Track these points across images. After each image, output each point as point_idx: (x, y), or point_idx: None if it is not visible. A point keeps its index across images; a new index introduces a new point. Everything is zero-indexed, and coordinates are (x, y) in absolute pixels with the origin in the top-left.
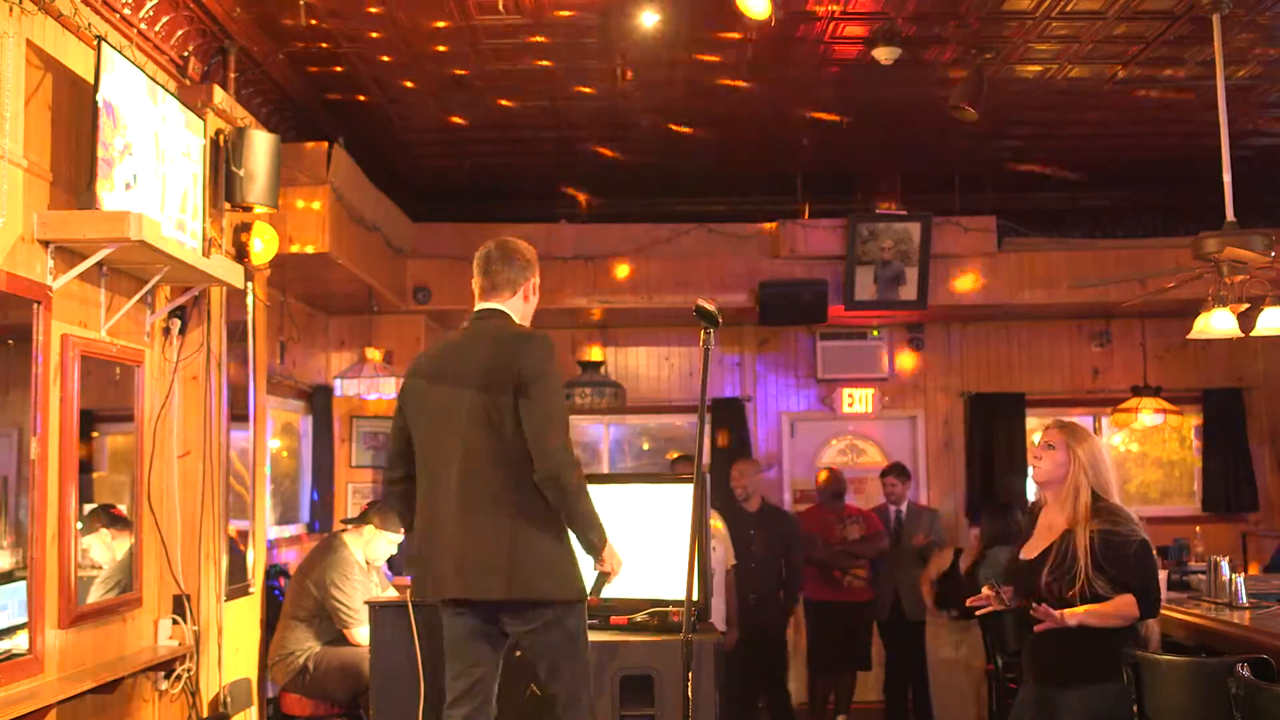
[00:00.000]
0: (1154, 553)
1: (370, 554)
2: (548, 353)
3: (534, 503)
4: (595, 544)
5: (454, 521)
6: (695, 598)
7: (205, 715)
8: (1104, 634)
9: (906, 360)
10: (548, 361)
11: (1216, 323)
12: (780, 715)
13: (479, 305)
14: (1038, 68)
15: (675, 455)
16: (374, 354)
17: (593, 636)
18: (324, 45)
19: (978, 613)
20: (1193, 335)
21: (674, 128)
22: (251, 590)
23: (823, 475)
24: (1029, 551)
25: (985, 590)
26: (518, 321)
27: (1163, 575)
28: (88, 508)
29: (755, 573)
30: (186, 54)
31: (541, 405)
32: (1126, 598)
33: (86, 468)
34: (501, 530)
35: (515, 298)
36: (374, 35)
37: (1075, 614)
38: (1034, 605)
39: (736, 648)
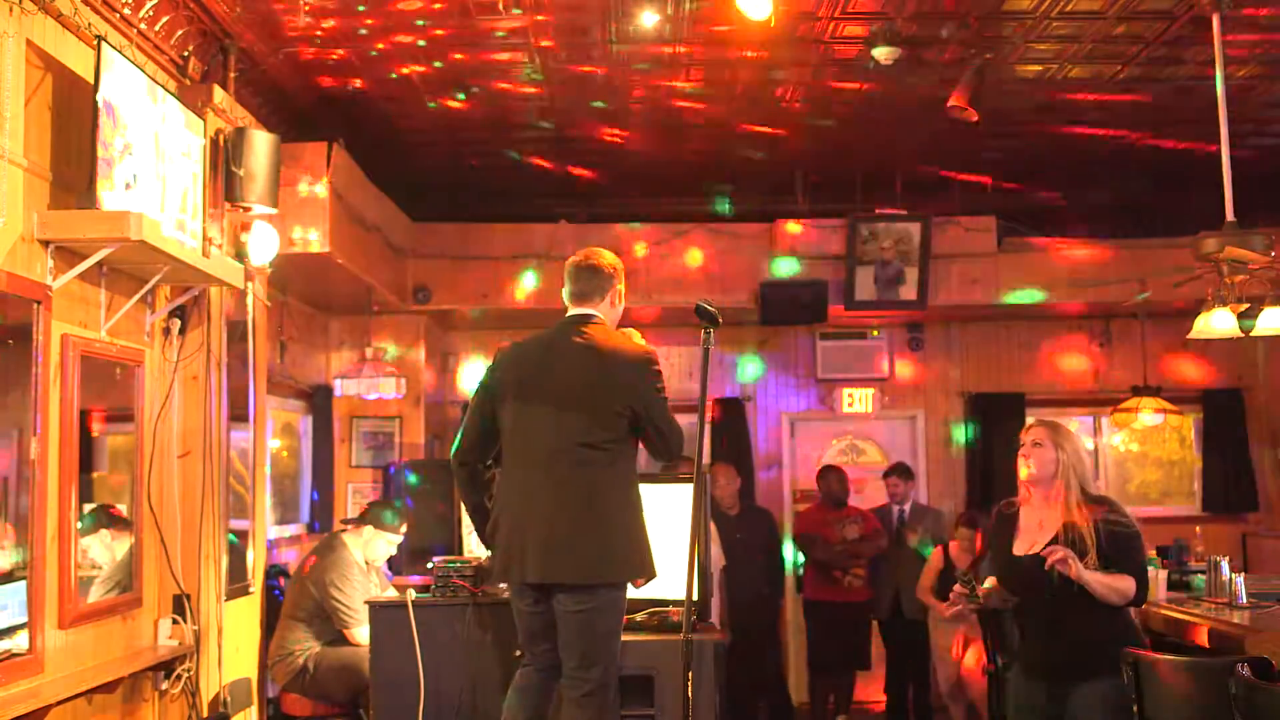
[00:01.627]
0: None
1: (370, 554)
2: (653, 380)
3: (620, 497)
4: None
5: (543, 512)
6: (695, 598)
7: (205, 715)
8: (1106, 629)
9: (906, 368)
10: (655, 384)
11: (1216, 323)
12: (780, 715)
13: (572, 311)
14: (1038, 68)
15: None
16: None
17: None
18: (324, 45)
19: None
20: (1193, 335)
21: (673, 126)
22: (251, 590)
23: (824, 474)
24: (1024, 547)
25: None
26: (609, 324)
27: (1162, 575)
28: (88, 508)
29: (745, 574)
30: (186, 54)
31: (661, 424)
32: (1128, 578)
33: (86, 468)
34: (592, 523)
35: (604, 304)
36: (373, 35)
37: (1084, 573)
38: (1048, 550)
39: (732, 648)
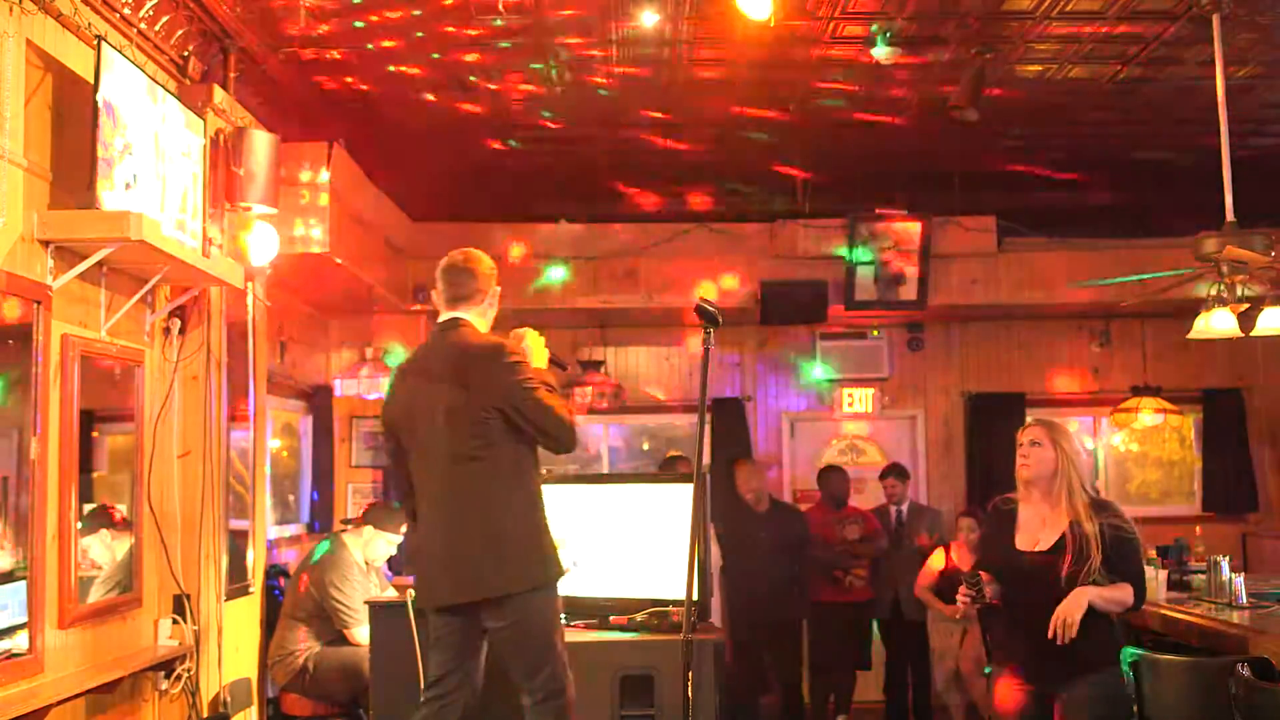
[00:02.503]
0: None
1: (370, 554)
2: (515, 370)
3: (504, 502)
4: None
5: (438, 531)
6: (695, 598)
7: (205, 715)
8: (1103, 629)
9: (906, 368)
10: (519, 378)
11: (1216, 323)
12: (791, 712)
13: (443, 316)
14: (1038, 68)
15: (673, 454)
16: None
17: (593, 636)
18: (323, 45)
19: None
20: (1193, 335)
21: (673, 126)
22: (251, 590)
23: (825, 475)
24: (1028, 544)
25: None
26: (480, 329)
27: (1163, 575)
28: (88, 508)
29: (763, 571)
30: (186, 54)
31: (535, 417)
32: (1127, 587)
33: (86, 468)
34: (483, 535)
35: (480, 306)
36: (373, 35)
37: (1085, 595)
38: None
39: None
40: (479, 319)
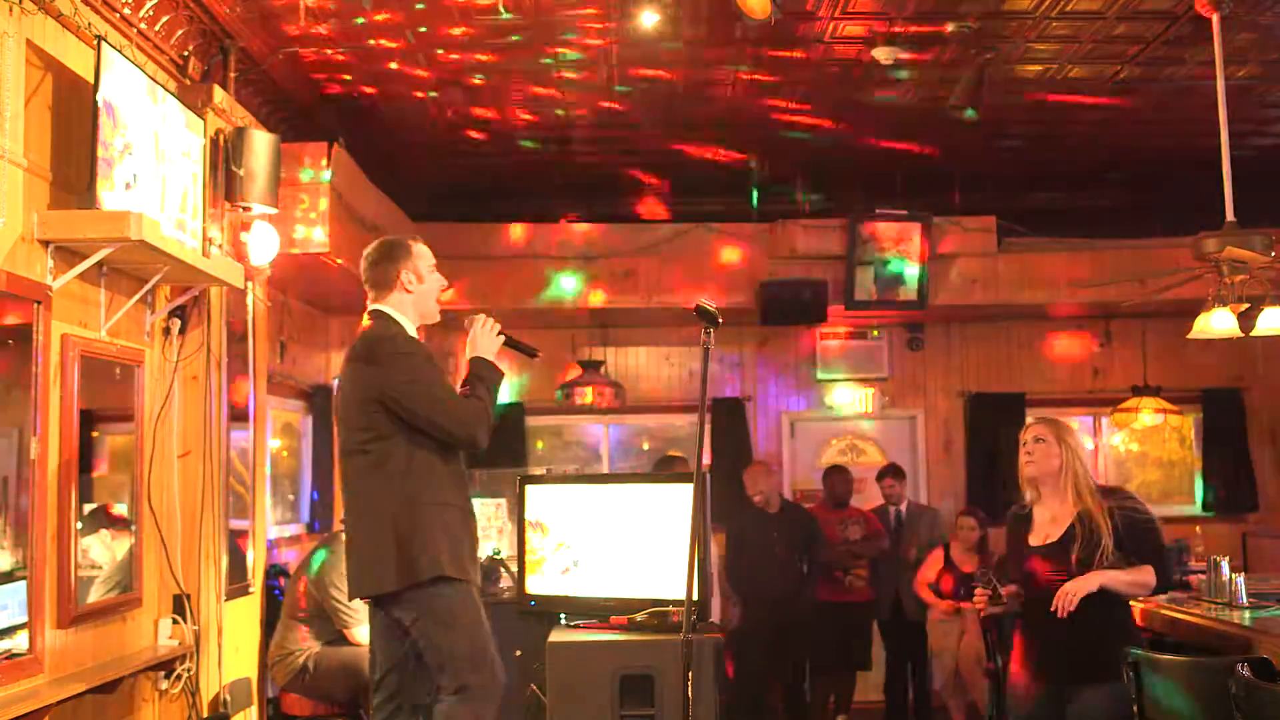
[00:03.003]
0: None
1: None
2: (396, 361)
3: (383, 501)
4: (496, 379)
5: (346, 529)
6: (695, 598)
7: (205, 715)
8: (1111, 633)
9: (906, 368)
10: (400, 370)
11: (1216, 323)
12: (793, 712)
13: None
14: (1038, 68)
15: (674, 455)
16: None
17: (593, 636)
18: (323, 45)
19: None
20: (1193, 335)
21: (673, 126)
22: (251, 590)
23: (828, 475)
24: (1040, 539)
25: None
26: (398, 317)
27: None
28: (88, 508)
29: (777, 573)
30: (186, 54)
31: (420, 410)
32: (1147, 568)
33: (86, 468)
34: (372, 529)
35: (392, 295)
36: (373, 35)
37: (1098, 576)
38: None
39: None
40: (396, 308)
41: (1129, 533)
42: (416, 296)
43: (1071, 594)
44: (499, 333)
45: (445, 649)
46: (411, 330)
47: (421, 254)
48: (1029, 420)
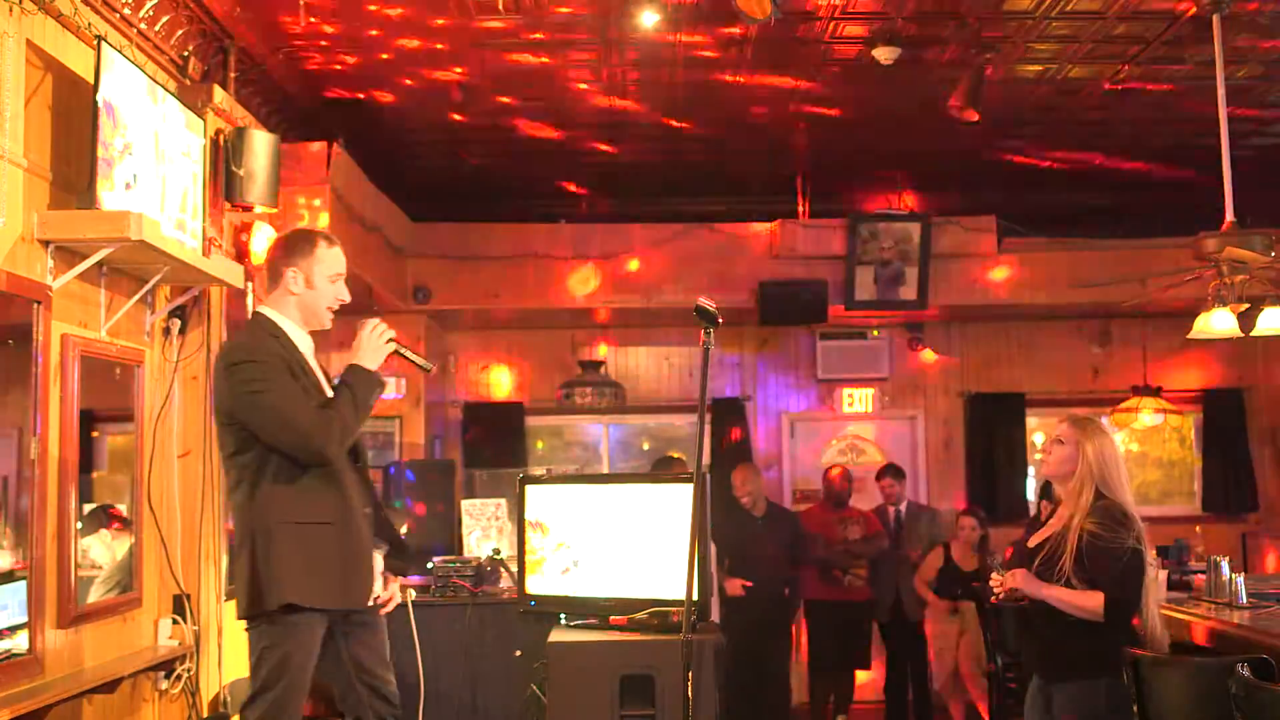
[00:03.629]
0: (1144, 563)
1: None
2: (237, 372)
3: (246, 522)
4: (369, 388)
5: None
6: (695, 598)
7: (205, 715)
8: (1095, 630)
9: (905, 368)
10: (239, 381)
11: (1216, 323)
12: (778, 713)
13: None
14: (1038, 68)
15: (672, 455)
16: None
17: (593, 636)
18: (324, 45)
19: (1001, 592)
20: (1193, 335)
21: (673, 126)
22: None
23: (832, 473)
24: (1034, 540)
25: (994, 576)
26: (278, 319)
27: (1163, 575)
28: (88, 508)
29: (763, 574)
30: (186, 54)
31: (257, 420)
32: (1095, 594)
33: (86, 468)
34: (239, 550)
35: (277, 292)
36: (373, 35)
37: (1043, 587)
38: (999, 583)
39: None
40: (278, 308)
41: (1089, 553)
42: (300, 300)
43: (1003, 584)
44: (388, 340)
45: (258, 682)
46: (293, 333)
47: (324, 258)
48: (1064, 415)
